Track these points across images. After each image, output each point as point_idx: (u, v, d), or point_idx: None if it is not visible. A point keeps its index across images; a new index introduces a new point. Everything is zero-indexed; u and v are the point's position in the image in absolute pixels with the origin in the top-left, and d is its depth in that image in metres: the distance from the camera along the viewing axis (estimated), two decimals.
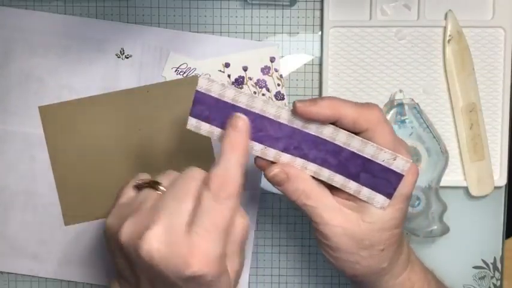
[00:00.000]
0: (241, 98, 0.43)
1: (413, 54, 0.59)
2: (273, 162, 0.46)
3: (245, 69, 0.59)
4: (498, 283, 0.61)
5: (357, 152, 0.44)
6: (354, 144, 0.44)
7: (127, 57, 0.59)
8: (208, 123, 0.44)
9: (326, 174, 0.46)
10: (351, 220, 0.46)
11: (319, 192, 0.46)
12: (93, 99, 0.60)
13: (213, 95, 0.43)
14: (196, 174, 0.41)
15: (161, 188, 0.42)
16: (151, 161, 0.61)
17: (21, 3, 0.59)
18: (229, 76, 0.59)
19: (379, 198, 0.46)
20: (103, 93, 0.60)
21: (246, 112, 0.43)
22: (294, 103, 0.44)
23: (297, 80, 0.60)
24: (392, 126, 0.57)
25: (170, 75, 0.59)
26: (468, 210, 0.61)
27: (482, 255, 0.61)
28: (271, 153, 0.45)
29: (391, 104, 0.57)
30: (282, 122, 0.44)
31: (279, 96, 0.60)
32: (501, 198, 0.60)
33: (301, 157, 0.45)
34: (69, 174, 0.60)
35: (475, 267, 0.61)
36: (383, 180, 0.45)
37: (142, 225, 0.39)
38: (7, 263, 0.61)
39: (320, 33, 0.59)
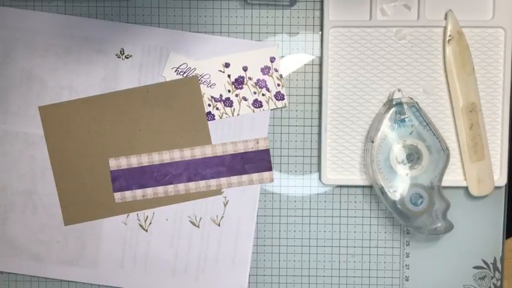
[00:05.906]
0: (142, 159, 0.55)
1: (413, 54, 0.59)
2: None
3: (245, 69, 0.59)
4: (498, 283, 0.61)
5: (234, 153, 0.56)
6: (228, 149, 0.56)
7: (127, 57, 0.59)
8: (130, 189, 0.57)
9: (225, 182, 0.57)
10: None
11: None
12: (93, 99, 0.60)
13: (123, 167, 0.55)
14: None
15: None
16: None
17: (21, 3, 0.59)
18: (229, 76, 0.59)
19: (266, 175, 0.58)
20: (103, 93, 0.60)
21: (149, 168, 0.55)
22: None
23: (297, 80, 0.60)
24: (392, 125, 0.57)
25: (170, 75, 0.59)
26: (468, 211, 0.61)
27: (482, 256, 0.61)
28: (181, 188, 0.57)
29: (390, 103, 0.57)
30: (177, 160, 0.56)
31: (279, 96, 0.60)
32: (501, 198, 0.60)
33: (201, 179, 0.57)
34: (69, 174, 0.60)
35: (475, 267, 0.61)
36: (260, 161, 0.58)
37: None
38: (7, 263, 0.61)
39: (320, 33, 0.59)
